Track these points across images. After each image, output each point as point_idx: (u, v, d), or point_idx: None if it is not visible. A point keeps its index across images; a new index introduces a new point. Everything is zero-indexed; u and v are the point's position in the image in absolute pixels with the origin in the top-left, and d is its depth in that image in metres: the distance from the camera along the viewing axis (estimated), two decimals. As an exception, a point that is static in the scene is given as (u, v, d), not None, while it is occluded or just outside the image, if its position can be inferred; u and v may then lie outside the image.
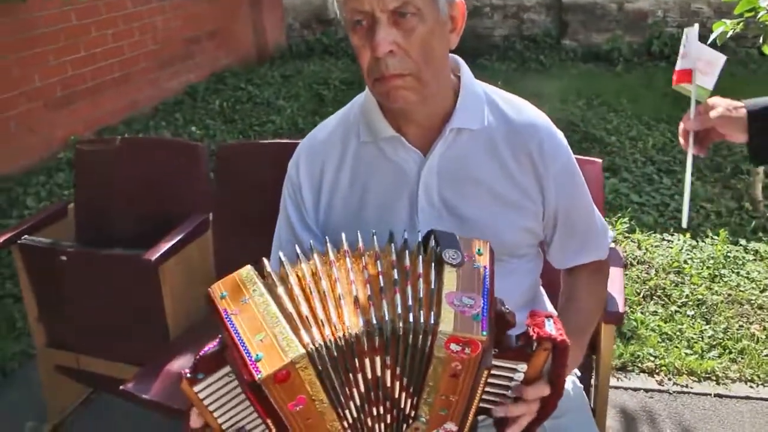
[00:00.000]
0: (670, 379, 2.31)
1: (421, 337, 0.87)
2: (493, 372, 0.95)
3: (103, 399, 2.35)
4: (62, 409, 2.30)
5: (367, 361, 0.88)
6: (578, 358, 1.26)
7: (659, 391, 2.27)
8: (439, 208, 1.16)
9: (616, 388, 2.29)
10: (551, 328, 0.95)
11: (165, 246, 1.87)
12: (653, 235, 3.11)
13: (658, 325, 2.52)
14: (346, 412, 0.91)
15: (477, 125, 1.16)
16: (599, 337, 1.52)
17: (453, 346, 0.86)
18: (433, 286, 0.90)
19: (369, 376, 0.90)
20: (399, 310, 0.87)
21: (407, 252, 0.94)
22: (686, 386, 2.27)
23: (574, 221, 1.24)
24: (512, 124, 1.18)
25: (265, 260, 0.95)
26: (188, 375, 0.89)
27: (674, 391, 2.26)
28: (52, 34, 4.54)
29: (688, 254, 2.94)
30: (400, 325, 0.86)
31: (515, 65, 6.01)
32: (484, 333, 0.85)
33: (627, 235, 3.11)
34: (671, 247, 2.99)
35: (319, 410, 0.88)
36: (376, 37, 1.02)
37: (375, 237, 0.96)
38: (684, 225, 1.46)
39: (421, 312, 0.87)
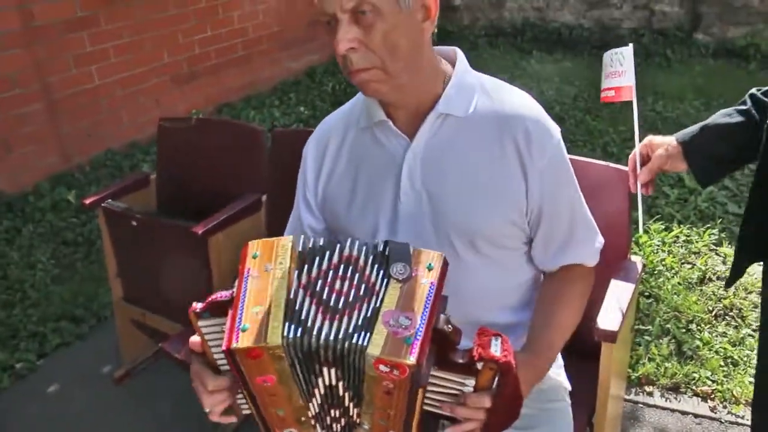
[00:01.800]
0: (725, 407, 2.16)
1: (356, 356, 0.90)
2: (439, 384, 0.98)
3: (169, 354, 2.58)
4: (134, 358, 2.54)
5: (324, 370, 0.93)
6: (542, 372, 1.23)
7: (710, 418, 2.13)
8: (419, 192, 1.18)
9: (663, 408, 2.18)
10: (496, 348, 0.95)
11: (213, 221, 2.02)
12: (744, 251, 2.88)
13: (724, 348, 2.36)
14: (310, 404, 0.98)
15: (462, 112, 1.17)
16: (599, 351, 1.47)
17: (382, 367, 0.88)
18: (377, 304, 0.92)
19: (326, 383, 0.95)
20: (351, 329, 0.90)
21: (375, 265, 0.95)
22: (742, 417, 2.12)
23: (559, 218, 1.22)
24: (501, 112, 1.17)
25: (302, 238, 0.99)
26: (197, 310, 0.96)
27: (727, 421, 2.11)
28: (183, 14, 4.89)
29: (778, 275, 2.70)
30: (346, 345, 0.89)
31: (638, 59, 5.65)
32: (411, 358, 0.86)
33: (713, 247, 2.91)
34: (760, 265, 2.75)
35: (285, 393, 0.95)
36: (336, 36, 1.06)
37: (357, 243, 0.98)
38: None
39: (362, 333, 0.89)
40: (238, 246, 2.12)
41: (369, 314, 0.91)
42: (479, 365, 0.96)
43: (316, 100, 5.32)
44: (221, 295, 0.96)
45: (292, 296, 0.92)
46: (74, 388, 2.51)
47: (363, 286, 0.93)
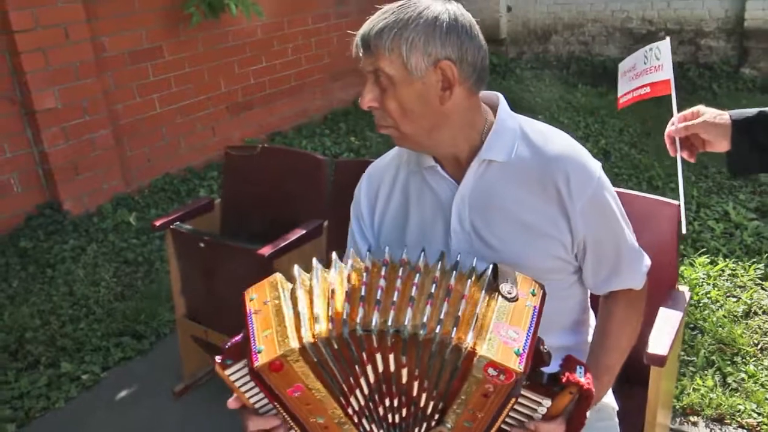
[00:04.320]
0: (771, 439, 2.19)
1: (449, 350, 0.98)
2: (519, 401, 1.06)
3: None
4: (193, 374, 2.67)
5: (378, 357, 1.01)
6: (602, 394, 1.32)
7: (756, 449, 2.17)
8: (469, 232, 1.27)
9: (708, 438, 2.22)
10: (581, 375, 1.06)
11: (279, 244, 2.15)
12: (791, 285, 2.91)
13: (771, 381, 2.39)
14: (351, 399, 1.05)
15: (504, 157, 1.25)
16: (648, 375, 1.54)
17: (491, 371, 0.97)
18: (478, 310, 1.01)
19: (380, 369, 1.02)
20: (425, 320, 0.99)
21: (454, 272, 1.06)
22: (789, 449, 2.15)
23: (603, 249, 1.29)
24: (541, 157, 1.24)
25: (296, 267, 1.12)
26: (219, 361, 1.06)
27: (773, 453, 2.14)
28: (240, 46, 5.13)
29: (827, 311, 2.73)
30: (421, 332, 0.98)
31: (684, 93, 5.73)
32: (520, 366, 0.96)
33: (758, 281, 2.93)
34: (808, 301, 2.78)
35: (317, 398, 1.03)
36: (363, 91, 1.20)
37: (423, 253, 1.10)
38: (683, 231, 1.53)
39: (455, 328, 0.98)
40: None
41: (460, 314, 1.00)
42: (558, 389, 1.05)
43: (366, 130, 5.47)
44: (234, 340, 1.07)
45: (300, 309, 1.03)
46: (136, 400, 2.65)
47: (434, 286, 1.03)
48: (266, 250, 2.12)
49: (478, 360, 0.97)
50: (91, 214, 4.13)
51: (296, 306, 1.05)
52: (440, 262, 1.08)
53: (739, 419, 2.26)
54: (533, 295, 1.05)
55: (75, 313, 3.20)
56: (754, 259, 3.09)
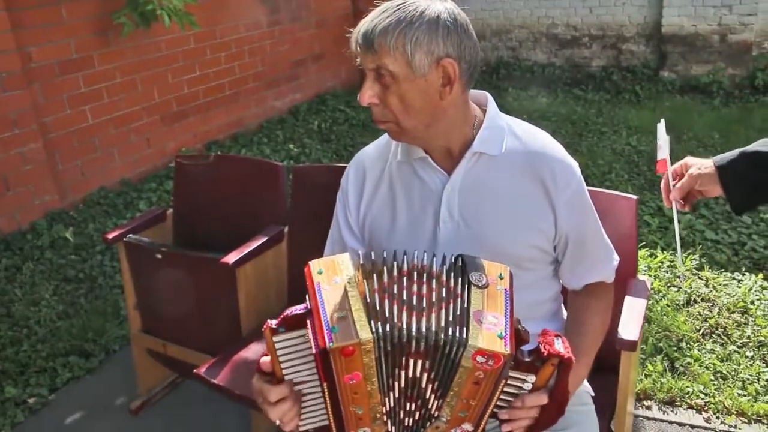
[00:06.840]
0: (718, 418, 2.32)
1: (455, 348, 1.01)
2: (507, 382, 1.10)
3: (185, 385, 2.65)
4: (150, 388, 2.61)
5: (411, 362, 1.04)
6: (582, 375, 1.39)
7: (705, 428, 2.29)
8: (458, 221, 1.32)
9: (662, 420, 2.33)
10: (560, 346, 1.10)
11: (242, 252, 2.13)
12: (723, 273, 3.09)
13: (713, 364, 2.53)
14: (386, 399, 1.08)
15: (495, 151, 1.31)
16: (618, 362, 1.62)
17: (479, 358, 1.01)
18: (465, 305, 1.05)
19: (410, 375, 1.05)
20: (442, 324, 1.02)
21: (452, 274, 1.09)
22: (734, 426, 2.28)
23: (583, 244, 1.37)
24: (528, 152, 1.32)
25: (360, 252, 1.10)
26: (273, 326, 1.03)
27: (720, 430, 2.27)
28: (172, 55, 5.03)
29: (757, 295, 2.91)
30: (441, 336, 1.01)
31: (609, 96, 6.01)
32: (507, 348, 1.00)
33: (695, 271, 3.10)
34: (740, 287, 2.96)
35: (368, 389, 1.04)
36: (362, 88, 1.23)
37: (426, 255, 1.10)
38: (680, 263, 1.54)
39: (457, 327, 1.02)
40: (261, 275, 2.25)
41: (459, 313, 1.03)
42: (539, 363, 1.09)
43: (304, 138, 5.46)
44: (294, 309, 1.04)
45: (368, 300, 1.03)
46: (90, 421, 2.55)
47: (443, 290, 1.06)
48: (230, 258, 2.10)
49: (467, 350, 1.00)
50: (24, 231, 3.96)
51: (364, 295, 1.04)
52: (444, 266, 1.10)
53: (688, 401, 2.39)
54: (501, 278, 1.09)
55: (15, 335, 3.05)
56: (690, 251, 3.27)
